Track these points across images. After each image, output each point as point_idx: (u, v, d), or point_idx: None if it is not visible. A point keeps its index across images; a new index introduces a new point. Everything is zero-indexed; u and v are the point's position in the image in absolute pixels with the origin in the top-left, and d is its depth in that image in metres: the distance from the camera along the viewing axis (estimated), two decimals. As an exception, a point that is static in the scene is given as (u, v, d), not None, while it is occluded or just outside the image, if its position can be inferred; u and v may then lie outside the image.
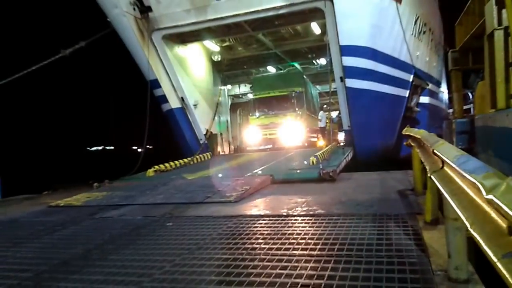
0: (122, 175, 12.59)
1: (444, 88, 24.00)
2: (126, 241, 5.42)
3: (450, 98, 22.06)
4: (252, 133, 18.08)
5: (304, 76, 20.45)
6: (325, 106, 25.45)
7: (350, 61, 12.64)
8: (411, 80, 15.39)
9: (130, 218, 6.93)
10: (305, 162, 10.74)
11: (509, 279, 1.30)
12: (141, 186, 10.11)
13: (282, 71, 22.06)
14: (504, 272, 1.35)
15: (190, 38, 16.58)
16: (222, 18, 14.22)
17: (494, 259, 1.45)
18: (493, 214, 1.65)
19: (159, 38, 15.22)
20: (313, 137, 20.48)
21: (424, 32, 16.87)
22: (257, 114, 18.23)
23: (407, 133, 7.15)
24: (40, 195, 10.93)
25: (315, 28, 16.81)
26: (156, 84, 15.62)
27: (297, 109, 17.50)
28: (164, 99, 16.14)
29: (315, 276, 3.63)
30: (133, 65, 15.57)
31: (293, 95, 17.60)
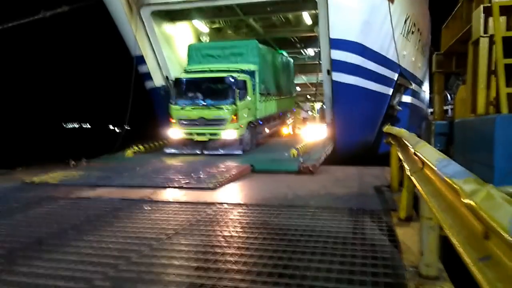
0: (98, 154, 12.37)
1: (426, 87, 24.46)
2: (103, 222, 5.37)
3: (430, 98, 22.52)
4: (173, 130, 12.28)
5: (263, 47, 14.59)
6: (308, 96, 25.57)
7: (339, 54, 12.70)
8: (395, 78, 15.61)
9: (108, 199, 6.85)
10: (286, 154, 10.81)
11: (484, 281, 1.37)
12: (119, 167, 9.96)
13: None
14: (479, 275, 1.42)
15: (179, 16, 16.30)
16: None
17: (470, 262, 1.51)
18: (471, 219, 1.71)
19: (148, 14, 14.91)
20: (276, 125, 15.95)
21: (413, 32, 17.06)
22: (181, 102, 12.12)
23: (388, 131, 7.27)
24: (14, 170, 10.64)
25: (307, 18, 16.80)
26: (141, 60, 15.34)
27: (244, 97, 12.04)
28: (148, 76, 15.85)
29: (291, 267, 3.71)
30: (117, 39, 15.20)
31: (234, 79, 11.56)
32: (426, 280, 3.37)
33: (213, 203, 6.38)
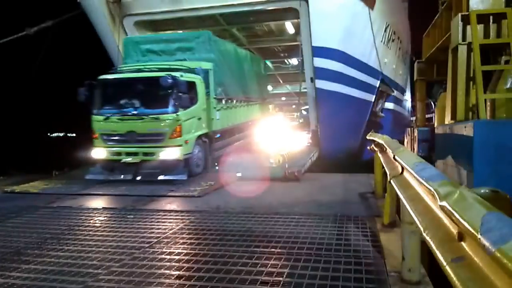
0: (81, 163, 12.19)
1: (408, 96, 24.88)
2: (84, 231, 5.27)
3: (413, 106, 22.88)
4: (95, 149, 9.18)
5: (220, 40, 12.55)
6: (293, 106, 25.71)
7: (321, 62, 12.88)
8: (377, 85, 15.88)
9: (90, 208, 6.74)
10: (271, 161, 10.81)
11: (456, 281, 1.38)
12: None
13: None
14: (452, 275, 1.43)
15: (162, 26, 16.32)
16: (196, 9, 14.11)
17: (444, 262, 1.53)
18: (446, 221, 1.74)
19: (131, 24, 14.88)
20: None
21: (393, 40, 17.42)
22: (105, 112, 9.14)
23: (371, 138, 7.35)
24: (-6, 180, 10.42)
25: (289, 27, 17.00)
26: None
27: (190, 104, 9.21)
28: None
29: (275, 274, 3.69)
30: (101, 50, 15.11)
31: (175, 79, 8.56)
32: (408, 285, 3.39)
33: (196, 211, 6.34)
